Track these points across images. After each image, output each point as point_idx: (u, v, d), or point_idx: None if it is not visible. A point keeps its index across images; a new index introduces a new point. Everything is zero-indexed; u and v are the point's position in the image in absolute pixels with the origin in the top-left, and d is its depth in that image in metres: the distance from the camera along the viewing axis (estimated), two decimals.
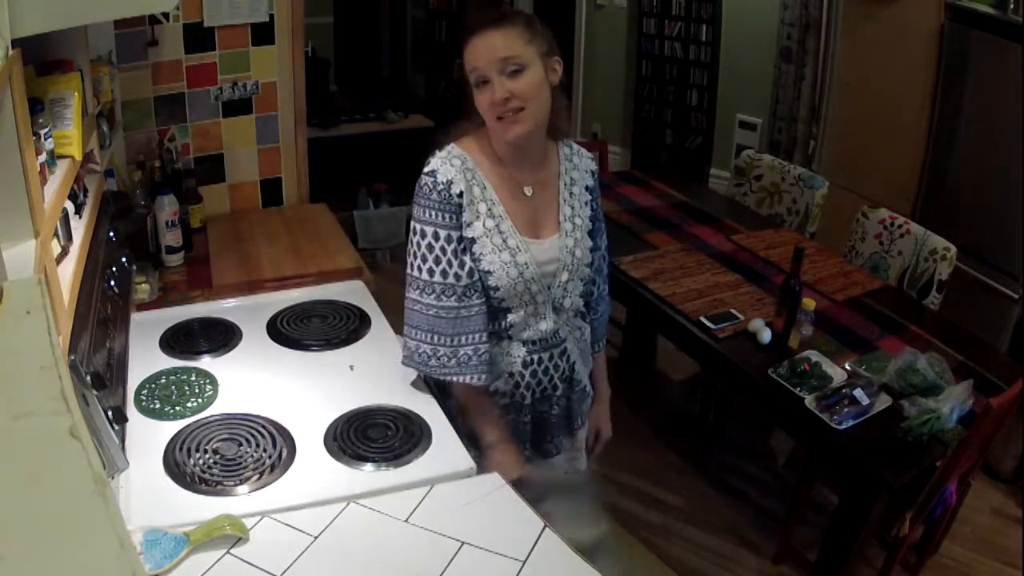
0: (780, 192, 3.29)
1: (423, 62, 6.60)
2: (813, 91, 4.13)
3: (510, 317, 1.59)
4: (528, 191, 1.59)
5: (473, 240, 1.52)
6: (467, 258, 1.53)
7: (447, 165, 1.52)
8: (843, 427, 1.95)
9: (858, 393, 2.00)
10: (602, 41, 5.50)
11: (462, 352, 1.56)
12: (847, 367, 2.18)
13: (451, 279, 1.53)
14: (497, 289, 1.54)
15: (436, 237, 1.52)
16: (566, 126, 1.66)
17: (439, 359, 1.57)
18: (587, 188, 1.68)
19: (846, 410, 1.97)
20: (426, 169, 1.53)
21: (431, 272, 1.53)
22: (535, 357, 1.64)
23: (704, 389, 3.17)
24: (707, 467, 2.95)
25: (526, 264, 1.55)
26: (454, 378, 1.58)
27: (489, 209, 1.53)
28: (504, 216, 1.55)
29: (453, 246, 1.52)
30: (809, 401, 2.02)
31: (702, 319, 2.38)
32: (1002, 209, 3.04)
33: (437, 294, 1.54)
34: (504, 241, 1.54)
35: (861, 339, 2.35)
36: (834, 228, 3.24)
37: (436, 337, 1.56)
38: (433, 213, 1.51)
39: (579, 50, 5.61)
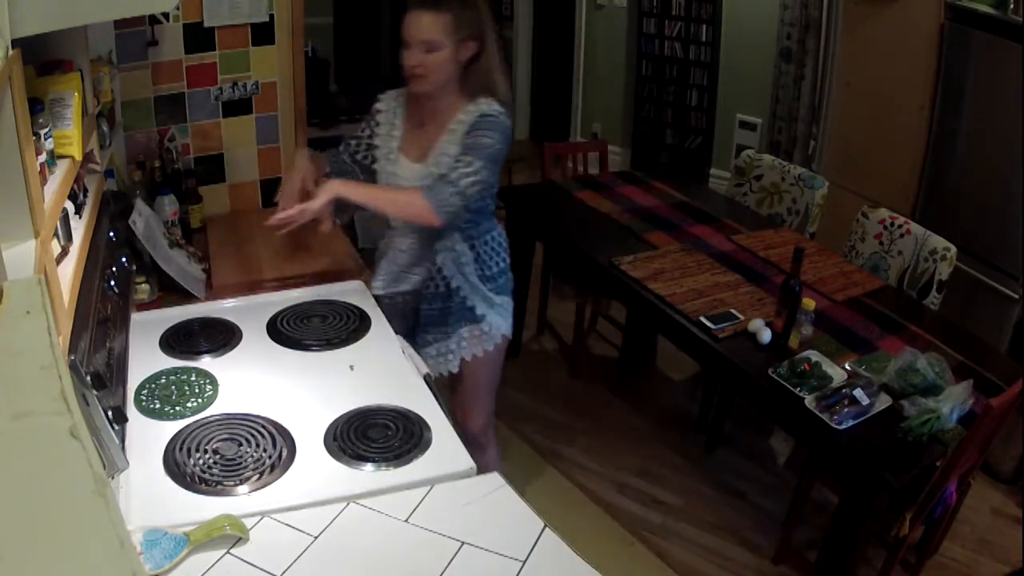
0: (780, 192, 3.29)
1: None
2: (813, 91, 4.13)
3: None
4: None
5: None
6: None
7: None
8: (843, 427, 1.95)
9: (858, 393, 2.00)
10: (602, 41, 5.50)
11: None
12: (847, 367, 2.18)
13: None
14: None
15: None
16: None
17: None
18: None
19: (846, 410, 1.97)
20: None
21: None
22: None
23: (704, 389, 3.17)
24: (707, 467, 2.95)
25: None
26: None
27: None
28: None
29: None
30: (809, 401, 2.02)
31: (702, 319, 2.38)
32: (1002, 209, 3.04)
33: None
34: None
35: (861, 339, 2.35)
36: (834, 228, 3.24)
37: None
38: None
39: (579, 50, 5.60)
